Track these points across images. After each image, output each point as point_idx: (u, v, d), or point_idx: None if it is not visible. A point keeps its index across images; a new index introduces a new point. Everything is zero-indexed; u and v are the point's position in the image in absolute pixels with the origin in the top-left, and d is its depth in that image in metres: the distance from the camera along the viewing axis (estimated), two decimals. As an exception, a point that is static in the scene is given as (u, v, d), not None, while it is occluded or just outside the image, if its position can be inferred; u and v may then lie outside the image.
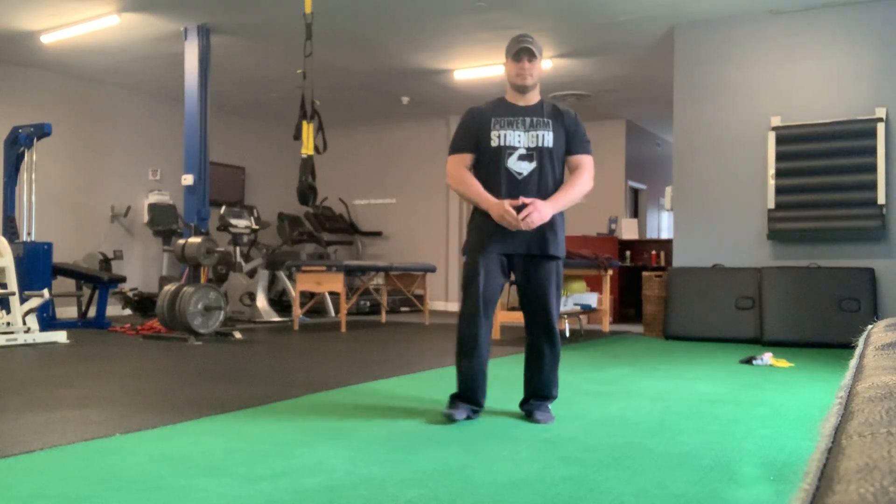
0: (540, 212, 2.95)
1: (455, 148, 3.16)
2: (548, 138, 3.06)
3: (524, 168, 3.03)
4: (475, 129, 3.11)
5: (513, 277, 3.17)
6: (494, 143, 3.05)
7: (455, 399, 3.12)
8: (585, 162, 3.14)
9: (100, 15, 6.78)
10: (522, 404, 3.19)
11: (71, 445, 2.55)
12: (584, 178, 3.11)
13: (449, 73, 8.71)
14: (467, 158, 3.13)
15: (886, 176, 6.11)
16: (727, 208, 6.80)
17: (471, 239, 3.14)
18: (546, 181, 3.06)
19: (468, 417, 3.05)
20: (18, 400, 3.41)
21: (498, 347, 5.86)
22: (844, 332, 5.71)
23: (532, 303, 3.12)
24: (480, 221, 3.10)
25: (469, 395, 3.09)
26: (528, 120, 3.08)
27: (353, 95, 9.79)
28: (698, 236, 6.94)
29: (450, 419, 2.99)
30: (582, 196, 3.14)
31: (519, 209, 2.95)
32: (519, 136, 3.05)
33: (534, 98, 3.15)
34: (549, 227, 3.06)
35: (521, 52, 3.06)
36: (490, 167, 3.07)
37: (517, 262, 3.12)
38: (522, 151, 3.04)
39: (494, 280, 3.08)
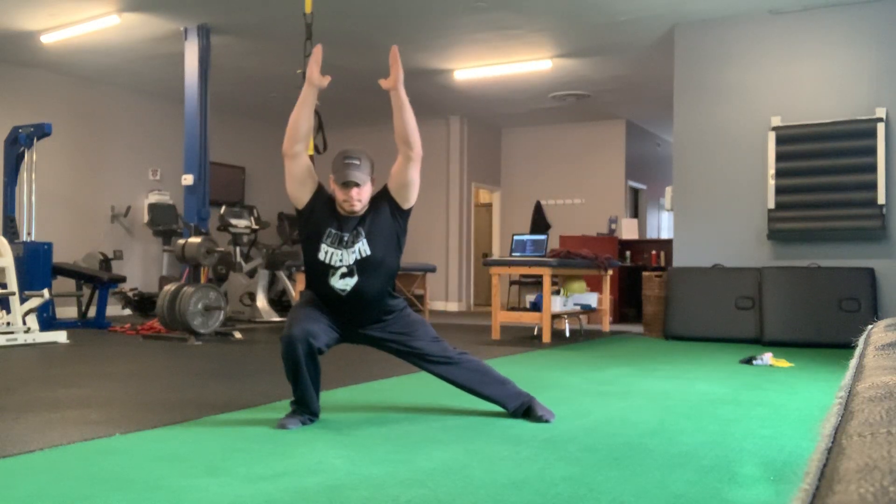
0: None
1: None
2: (364, 247, 2.93)
3: (348, 284, 2.91)
4: (316, 211, 2.96)
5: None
6: (321, 258, 2.93)
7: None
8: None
9: (100, 15, 6.78)
10: (513, 413, 3.07)
11: (71, 445, 2.55)
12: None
13: (449, 73, 8.72)
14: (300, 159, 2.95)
15: (886, 176, 6.11)
16: (727, 208, 6.80)
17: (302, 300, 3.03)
18: (372, 288, 2.94)
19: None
20: (18, 400, 3.41)
21: (498, 347, 5.86)
22: (844, 332, 5.71)
23: (413, 356, 3.04)
24: (311, 298, 3.00)
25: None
26: (346, 236, 2.93)
27: (353, 95, 9.79)
28: (698, 236, 6.94)
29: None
30: (411, 120, 3.05)
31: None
32: (341, 254, 2.92)
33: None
34: (378, 309, 3.00)
35: (347, 185, 2.87)
36: (317, 280, 2.96)
37: (363, 339, 3.04)
38: (344, 270, 2.92)
39: (326, 334, 2.92)
